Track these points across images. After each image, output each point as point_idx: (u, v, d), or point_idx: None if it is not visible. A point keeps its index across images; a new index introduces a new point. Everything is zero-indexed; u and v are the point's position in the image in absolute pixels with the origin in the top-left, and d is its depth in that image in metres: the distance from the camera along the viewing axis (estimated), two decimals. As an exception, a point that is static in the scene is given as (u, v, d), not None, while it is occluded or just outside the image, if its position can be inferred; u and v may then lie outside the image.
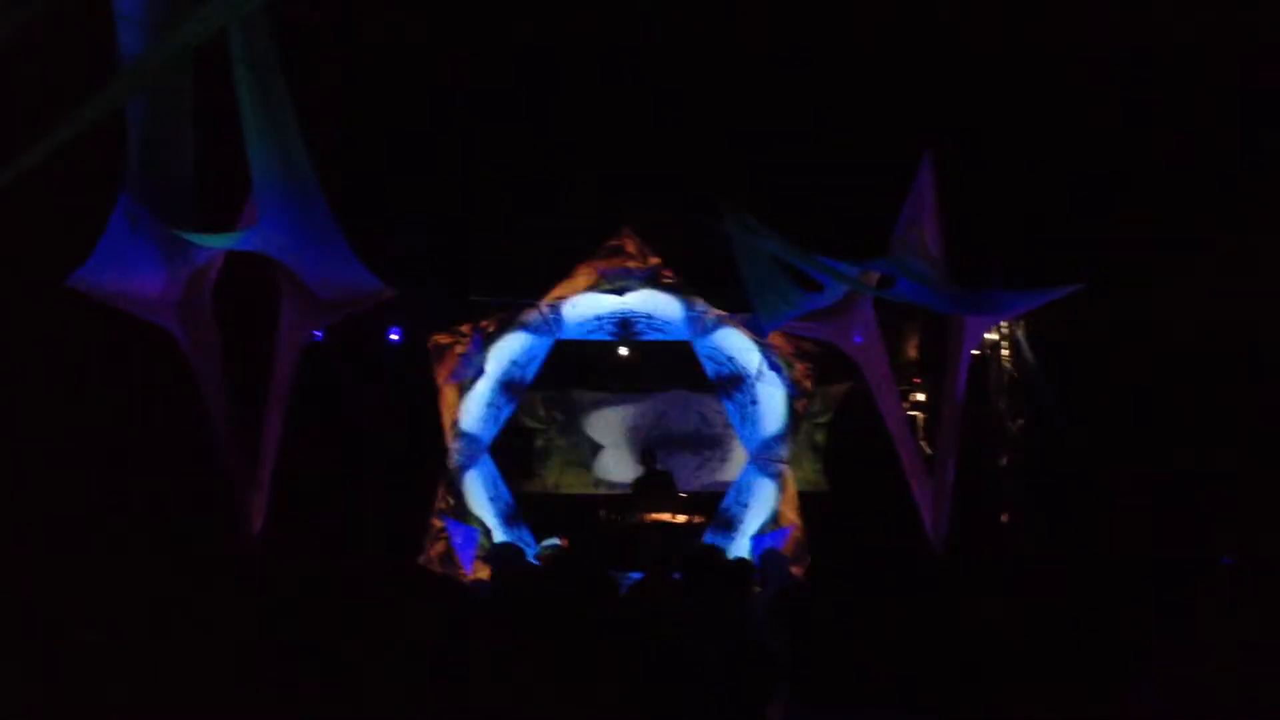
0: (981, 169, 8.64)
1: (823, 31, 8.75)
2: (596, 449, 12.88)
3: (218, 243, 6.41)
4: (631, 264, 9.56)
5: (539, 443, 12.81)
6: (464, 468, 9.59)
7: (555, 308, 9.64)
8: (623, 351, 11.54)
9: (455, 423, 9.55)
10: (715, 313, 9.73)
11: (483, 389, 9.65)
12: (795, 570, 9.17)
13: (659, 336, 10.19)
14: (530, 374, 9.91)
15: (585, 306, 9.76)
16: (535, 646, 4.47)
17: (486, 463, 9.78)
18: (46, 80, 5.66)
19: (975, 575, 8.32)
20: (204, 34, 3.77)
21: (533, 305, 9.62)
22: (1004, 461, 9.92)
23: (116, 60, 5.10)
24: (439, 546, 9.31)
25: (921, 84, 8.87)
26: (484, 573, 8.85)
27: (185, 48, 4.17)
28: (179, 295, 6.63)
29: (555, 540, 8.03)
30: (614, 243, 9.56)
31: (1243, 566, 6.14)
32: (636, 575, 7.34)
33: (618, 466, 12.51)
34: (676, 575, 5.40)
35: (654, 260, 9.57)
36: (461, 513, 9.48)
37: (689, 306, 9.74)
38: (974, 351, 8.30)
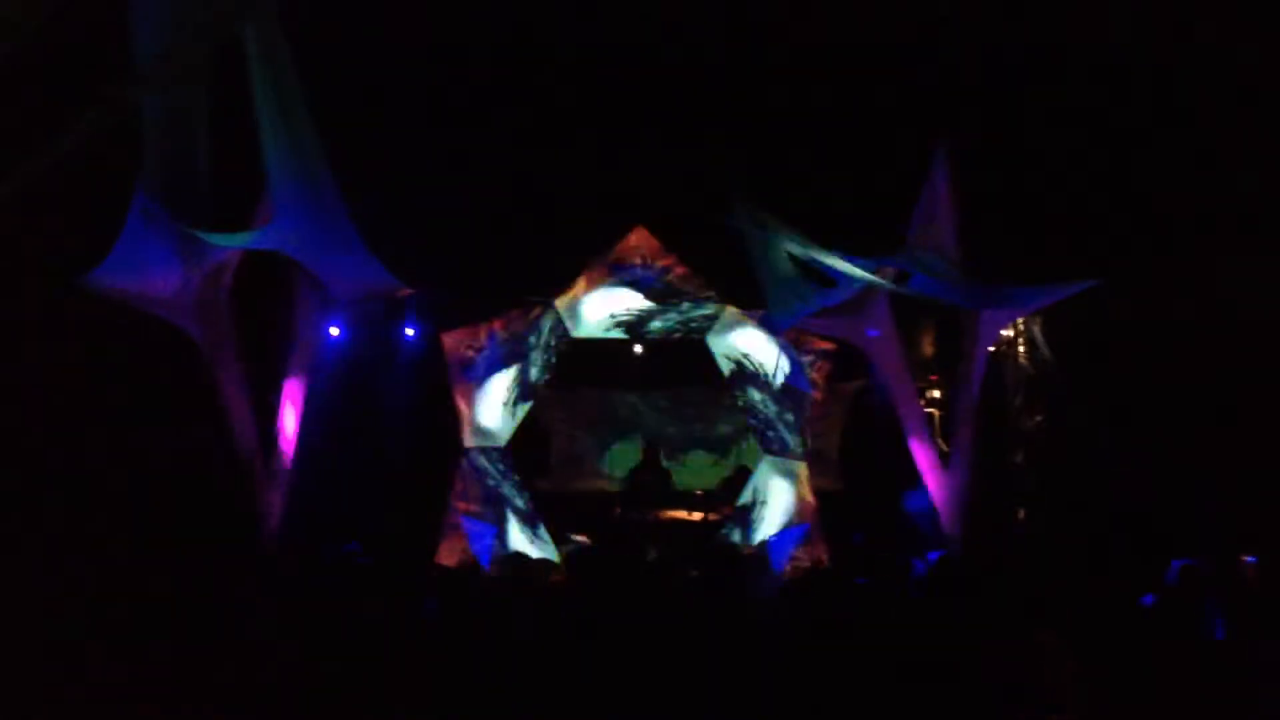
0: (997, 165, 8.61)
1: (836, 26, 8.72)
2: (610, 446, 12.91)
3: (233, 241, 6.44)
4: (645, 261, 9.55)
5: (554, 440, 12.85)
6: (479, 465, 9.60)
7: (569, 305, 9.63)
8: (637, 349, 11.53)
9: (470, 420, 9.56)
10: (730, 310, 9.71)
11: (497, 386, 9.65)
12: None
13: (673, 334, 10.18)
14: (544, 372, 9.91)
15: (599, 304, 9.74)
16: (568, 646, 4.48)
17: (502, 460, 9.78)
18: (62, 80, 5.69)
19: (990, 572, 8.28)
20: (220, 34, 3.78)
21: (546, 303, 9.62)
22: (1019, 458, 9.88)
23: (132, 60, 5.13)
24: (455, 544, 9.31)
25: (936, 79, 8.83)
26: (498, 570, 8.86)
27: (201, 48, 4.19)
28: (195, 294, 6.67)
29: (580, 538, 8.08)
30: (628, 240, 9.55)
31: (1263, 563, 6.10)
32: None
33: (631, 465, 12.53)
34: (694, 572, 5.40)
35: (668, 258, 9.55)
36: (477, 510, 9.48)
37: (703, 304, 9.73)
38: (990, 348, 8.28)
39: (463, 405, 9.54)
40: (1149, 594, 5.48)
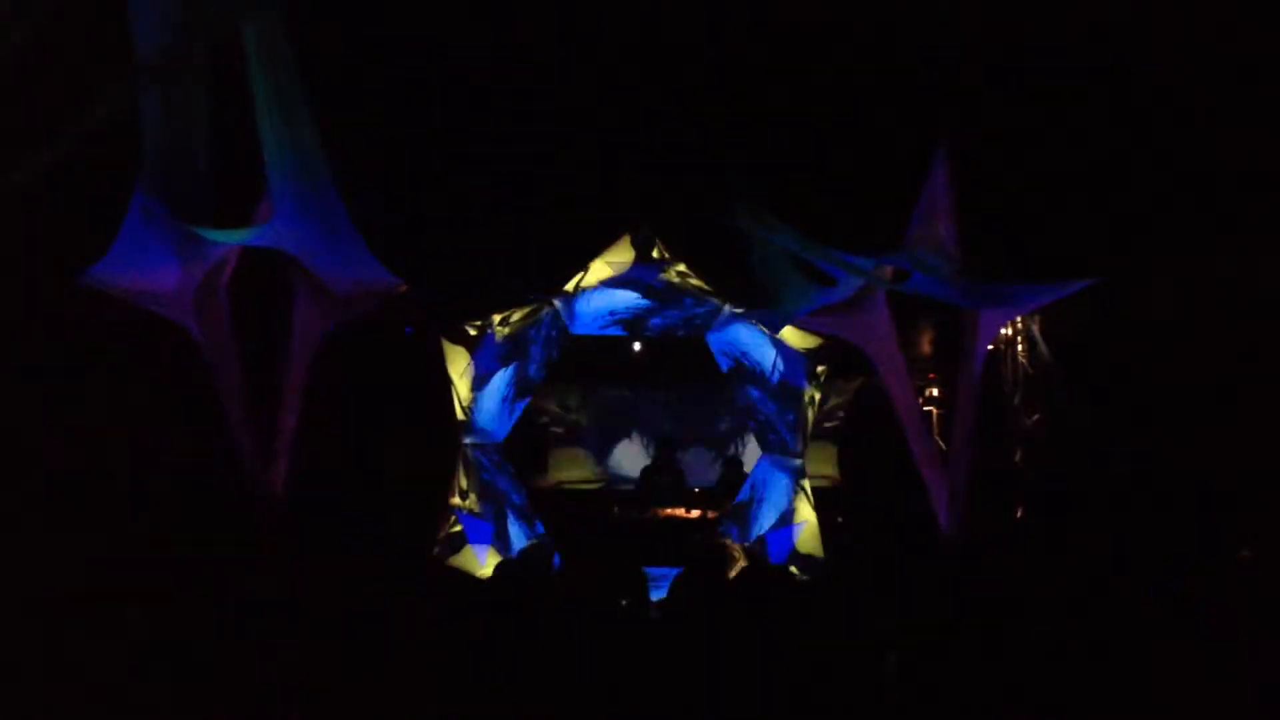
0: (998, 163, 8.61)
1: (836, 22, 8.72)
2: (610, 445, 12.93)
3: (232, 238, 6.43)
4: (644, 259, 9.55)
5: (553, 438, 12.87)
6: (477, 463, 9.60)
7: (568, 303, 9.64)
8: (636, 347, 11.53)
9: (468, 418, 9.56)
10: (729, 307, 9.71)
11: (495, 384, 9.66)
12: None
13: (673, 331, 10.19)
14: (543, 369, 9.91)
15: (598, 302, 9.75)
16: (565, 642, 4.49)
17: (499, 458, 9.79)
18: (61, 76, 5.68)
19: (989, 570, 8.29)
20: (221, 30, 3.78)
21: (545, 300, 9.62)
22: (1018, 457, 9.90)
23: (132, 55, 5.12)
24: (452, 541, 9.32)
25: (937, 76, 8.83)
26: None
27: (202, 43, 4.18)
28: (194, 291, 6.66)
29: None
30: (627, 237, 9.55)
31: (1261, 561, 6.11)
32: (656, 570, 7.31)
33: (631, 462, 12.55)
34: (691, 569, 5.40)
35: (667, 255, 9.56)
36: (474, 508, 9.49)
37: (702, 301, 9.73)
38: (989, 346, 8.28)
39: (460, 402, 9.54)
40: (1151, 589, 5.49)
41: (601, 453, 12.93)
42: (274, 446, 7.27)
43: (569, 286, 9.60)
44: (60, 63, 5.69)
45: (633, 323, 10.02)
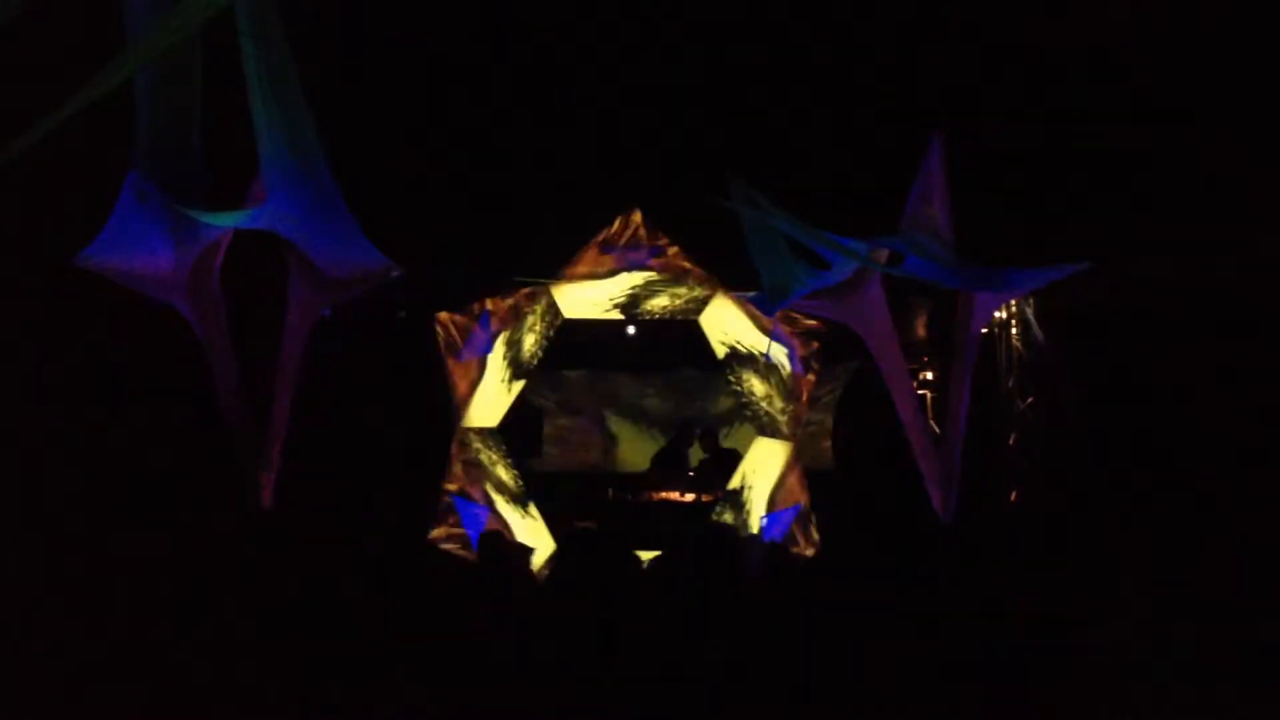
0: (993, 146, 8.60)
1: (833, 7, 8.70)
2: (604, 428, 12.94)
3: (226, 221, 6.39)
4: (638, 243, 9.53)
5: (547, 422, 12.87)
6: (471, 445, 9.60)
7: (562, 286, 9.62)
8: (631, 331, 11.51)
9: (463, 400, 9.56)
10: (723, 291, 9.70)
11: (490, 368, 9.65)
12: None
13: (666, 316, 10.17)
14: (538, 352, 9.90)
15: (592, 286, 9.73)
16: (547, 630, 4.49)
17: (494, 439, 9.79)
18: (51, 55, 5.64)
19: (983, 554, 8.32)
20: (209, 10, 3.74)
21: (540, 283, 9.60)
22: (1012, 440, 9.92)
23: (123, 34, 5.09)
24: (447, 525, 9.33)
25: (932, 60, 8.81)
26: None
27: (192, 23, 4.15)
28: (187, 274, 6.63)
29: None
30: (621, 221, 9.53)
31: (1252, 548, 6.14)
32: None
33: (625, 446, 12.57)
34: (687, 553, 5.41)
35: (661, 239, 9.54)
36: (468, 490, 9.49)
37: (696, 285, 9.72)
38: (983, 330, 8.28)
39: (455, 385, 9.54)
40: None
41: (596, 436, 12.94)
42: (269, 429, 7.26)
43: (564, 270, 9.58)
44: (50, 43, 5.66)
45: (628, 306, 10.01)
